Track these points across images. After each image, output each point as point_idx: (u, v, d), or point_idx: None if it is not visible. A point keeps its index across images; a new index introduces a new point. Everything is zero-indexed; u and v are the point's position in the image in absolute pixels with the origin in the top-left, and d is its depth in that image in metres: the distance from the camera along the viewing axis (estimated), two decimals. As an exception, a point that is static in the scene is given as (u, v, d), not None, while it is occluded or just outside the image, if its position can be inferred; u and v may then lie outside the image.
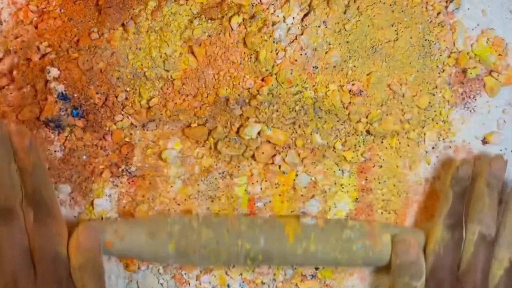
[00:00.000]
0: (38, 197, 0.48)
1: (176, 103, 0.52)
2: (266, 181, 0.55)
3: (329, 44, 0.51)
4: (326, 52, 0.51)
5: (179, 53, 0.51)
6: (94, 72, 0.51)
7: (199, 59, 0.51)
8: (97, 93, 0.52)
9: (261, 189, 0.55)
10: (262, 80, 0.51)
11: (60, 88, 0.52)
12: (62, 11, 0.53)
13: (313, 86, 0.51)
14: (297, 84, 0.51)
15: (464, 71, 0.55)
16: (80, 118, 0.53)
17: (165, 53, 0.51)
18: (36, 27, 0.53)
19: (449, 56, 0.54)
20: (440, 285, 0.51)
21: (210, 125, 0.53)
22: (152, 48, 0.51)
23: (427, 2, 0.53)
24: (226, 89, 0.51)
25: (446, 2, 0.54)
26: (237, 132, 0.53)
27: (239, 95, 0.51)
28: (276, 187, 0.55)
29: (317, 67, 0.51)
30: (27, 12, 0.54)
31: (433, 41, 0.53)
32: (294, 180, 0.55)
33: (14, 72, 0.52)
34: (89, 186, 0.54)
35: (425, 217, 0.55)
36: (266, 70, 0.51)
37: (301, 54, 0.51)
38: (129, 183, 0.54)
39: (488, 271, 0.51)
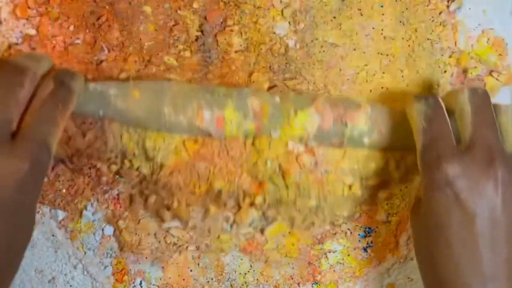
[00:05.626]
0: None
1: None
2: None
3: None
4: None
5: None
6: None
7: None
8: None
9: None
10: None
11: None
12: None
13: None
14: None
15: (465, 71, 0.55)
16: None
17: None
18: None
19: (450, 56, 0.54)
20: (439, 159, 0.42)
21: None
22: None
23: (429, 1, 0.53)
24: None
25: (448, 1, 0.54)
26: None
27: None
28: None
29: None
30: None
31: (435, 41, 0.53)
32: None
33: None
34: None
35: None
36: None
37: None
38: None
39: (495, 122, 0.44)
